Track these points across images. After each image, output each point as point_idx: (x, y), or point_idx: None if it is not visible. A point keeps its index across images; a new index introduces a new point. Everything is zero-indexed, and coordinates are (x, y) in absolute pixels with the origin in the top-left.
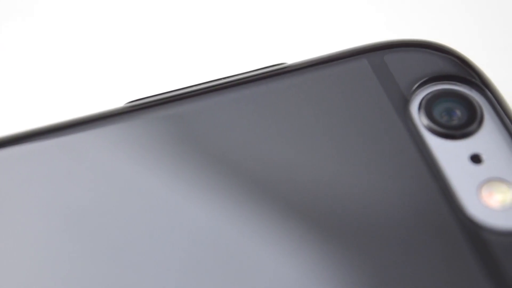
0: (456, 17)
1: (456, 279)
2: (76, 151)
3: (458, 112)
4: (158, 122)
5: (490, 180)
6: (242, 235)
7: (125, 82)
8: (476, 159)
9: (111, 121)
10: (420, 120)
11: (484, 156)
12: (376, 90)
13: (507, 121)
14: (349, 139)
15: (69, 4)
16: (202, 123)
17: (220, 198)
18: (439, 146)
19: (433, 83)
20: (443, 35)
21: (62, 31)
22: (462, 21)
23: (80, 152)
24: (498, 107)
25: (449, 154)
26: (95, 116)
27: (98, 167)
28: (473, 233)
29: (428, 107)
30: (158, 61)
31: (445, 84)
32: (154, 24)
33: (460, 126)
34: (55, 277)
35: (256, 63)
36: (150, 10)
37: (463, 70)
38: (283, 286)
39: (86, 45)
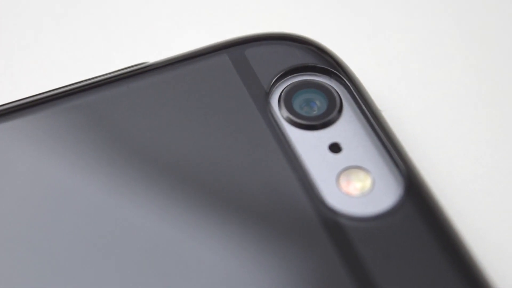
0: (318, 7)
1: (316, 268)
2: None
3: (318, 103)
4: (20, 127)
5: (349, 168)
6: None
7: None
8: (335, 148)
9: None
10: (280, 113)
11: (343, 145)
12: (237, 85)
13: (365, 109)
14: (211, 135)
15: None
16: (64, 126)
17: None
18: (299, 137)
19: (293, 75)
20: (306, 26)
21: None
22: (325, 12)
23: None
24: (357, 95)
25: (308, 144)
26: None
27: None
28: (332, 221)
29: (287, 99)
30: (14, 67)
31: (305, 75)
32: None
33: (319, 116)
34: None
35: (120, 64)
36: (14, 14)
37: (322, 60)
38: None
39: None
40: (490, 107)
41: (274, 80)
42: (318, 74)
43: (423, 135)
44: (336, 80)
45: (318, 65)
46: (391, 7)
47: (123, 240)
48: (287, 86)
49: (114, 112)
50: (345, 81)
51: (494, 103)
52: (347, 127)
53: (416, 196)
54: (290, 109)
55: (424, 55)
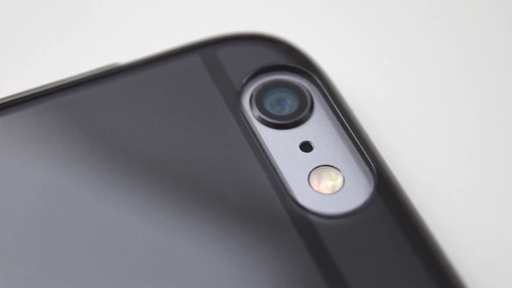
0: (290, 6)
1: (287, 266)
2: None
3: (289, 102)
4: None
5: (320, 167)
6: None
7: None
8: (306, 147)
9: None
10: (252, 112)
11: (314, 144)
12: (209, 85)
13: (336, 108)
14: (182, 135)
15: None
16: (35, 127)
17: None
18: (270, 136)
19: (264, 74)
20: (278, 26)
21: None
22: (297, 11)
23: None
24: (328, 94)
25: (280, 143)
26: None
27: None
28: (304, 220)
29: (258, 98)
30: None
31: (276, 74)
32: None
33: (290, 115)
34: None
35: (91, 65)
36: None
37: (293, 59)
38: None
39: None
40: (461, 106)
41: (245, 80)
42: (289, 73)
43: (395, 133)
44: (308, 79)
45: (289, 64)
46: (364, 6)
47: (93, 235)
48: (258, 85)
49: (84, 114)
50: (316, 80)
51: (465, 102)
52: (318, 126)
53: (386, 194)
54: (261, 108)
55: (396, 55)
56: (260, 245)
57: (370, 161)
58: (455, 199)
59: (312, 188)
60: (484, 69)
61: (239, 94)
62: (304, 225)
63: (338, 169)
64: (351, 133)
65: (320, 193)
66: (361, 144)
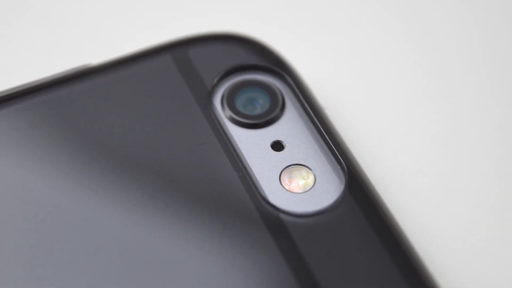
0: (261, 6)
1: (259, 266)
2: None
3: (260, 101)
4: None
5: (291, 166)
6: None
7: None
8: (277, 146)
9: None
10: (223, 112)
11: (285, 143)
12: (180, 85)
13: (308, 107)
14: (153, 136)
15: None
16: (5, 130)
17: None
18: (241, 136)
19: (235, 74)
20: (250, 25)
21: None
22: (268, 10)
23: None
24: (299, 93)
25: (251, 143)
26: None
27: None
28: (275, 219)
29: (230, 98)
30: None
31: (247, 74)
32: None
33: (262, 115)
34: None
35: (62, 66)
36: None
37: (264, 59)
38: None
39: None
40: (433, 103)
41: (216, 80)
42: (261, 72)
43: (366, 132)
44: (279, 78)
45: (260, 64)
46: (335, 5)
47: (63, 236)
48: (229, 85)
49: (56, 115)
50: (288, 79)
51: (437, 100)
52: (290, 125)
53: (357, 192)
54: (232, 108)
55: (367, 52)
56: (231, 244)
57: (341, 159)
58: (427, 196)
59: (284, 187)
60: (458, 69)
61: (210, 94)
62: (275, 224)
63: (309, 168)
64: (322, 132)
65: (291, 192)
66: (332, 143)
